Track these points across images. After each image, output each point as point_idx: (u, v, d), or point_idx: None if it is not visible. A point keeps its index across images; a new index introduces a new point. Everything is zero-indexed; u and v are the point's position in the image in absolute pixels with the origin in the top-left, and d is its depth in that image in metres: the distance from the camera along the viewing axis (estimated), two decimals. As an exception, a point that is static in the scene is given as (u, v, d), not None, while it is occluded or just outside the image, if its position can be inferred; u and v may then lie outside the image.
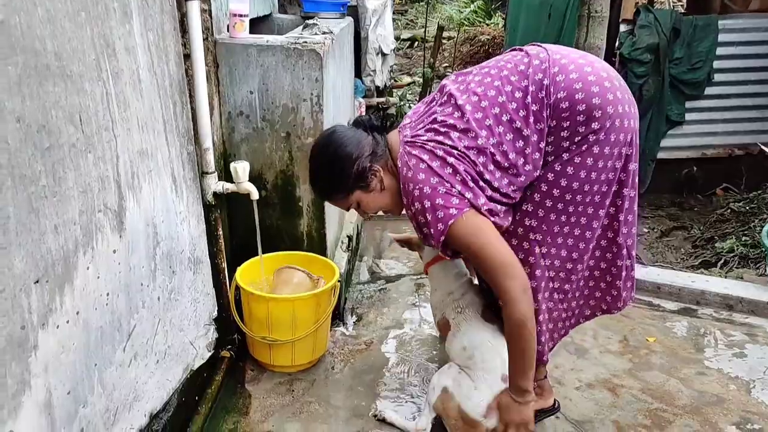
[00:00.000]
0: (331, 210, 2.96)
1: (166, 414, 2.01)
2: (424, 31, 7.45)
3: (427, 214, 1.77)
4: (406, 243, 2.52)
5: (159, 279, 1.85)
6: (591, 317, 2.19)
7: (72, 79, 1.40)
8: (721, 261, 3.70)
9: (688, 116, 4.66)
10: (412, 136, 1.87)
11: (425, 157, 1.80)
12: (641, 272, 3.35)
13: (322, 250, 2.85)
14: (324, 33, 2.88)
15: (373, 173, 1.90)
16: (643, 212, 4.72)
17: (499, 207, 1.85)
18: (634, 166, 1.90)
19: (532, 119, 1.79)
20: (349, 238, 3.36)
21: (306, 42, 2.64)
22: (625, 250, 2.01)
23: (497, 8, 9.33)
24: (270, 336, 2.50)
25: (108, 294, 1.58)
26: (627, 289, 2.09)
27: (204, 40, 2.43)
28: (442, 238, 1.78)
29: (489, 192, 1.81)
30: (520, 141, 1.80)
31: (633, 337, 2.92)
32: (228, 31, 2.70)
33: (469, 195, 1.77)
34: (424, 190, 1.77)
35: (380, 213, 2.11)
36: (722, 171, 4.75)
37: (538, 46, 1.92)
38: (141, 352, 1.77)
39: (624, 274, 2.05)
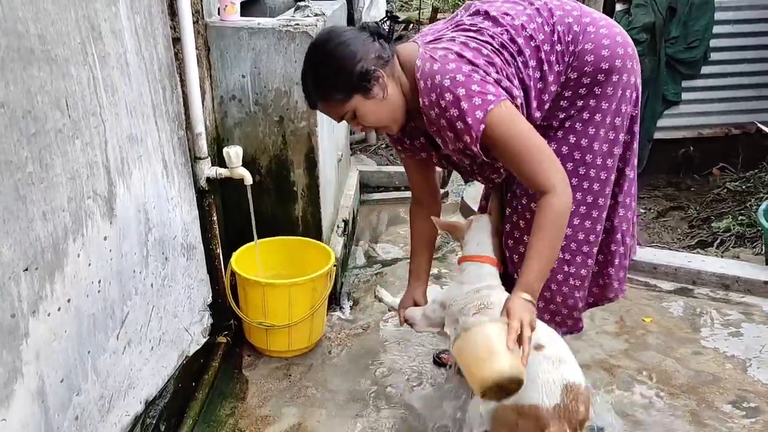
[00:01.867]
0: (326, 194, 2.94)
1: (162, 400, 2.01)
2: (419, 13, 7.39)
3: (462, 103, 1.57)
4: (449, 229, 2.20)
5: (152, 265, 1.84)
6: (594, 305, 2.16)
7: (57, 63, 1.38)
8: (718, 240, 3.69)
9: (685, 96, 4.61)
10: (433, 40, 1.72)
11: (455, 48, 1.63)
12: (638, 252, 3.34)
13: (317, 234, 2.84)
14: (316, 15, 2.84)
15: (377, 77, 1.66)
16: (640, 193, 4.66)
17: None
18: (636, 144, 1.90)
19: (554, 57, 1.73)
20: (345, 222, 3.35)
21: (298, 24, 2.61)
22: (619, 234, 1.97)
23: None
24: (266, 321, 2.49)
25: (100, 281, 1.57)
26: (619, 279, 2.04)
27: (194, 23, 2.39)
28: (482, 126, 1.58)
29: (520, 97, 1.68)
30: (539, 72, 1.73)
31: (629, 318, 2.92)
32: (219, 14, 2.66)
33: (505, 84, 1.63)
34: (457, 78, 1.58)
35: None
36: (719, 150, 4.72)
37: None
38: (135, 339, 1.76)
39: (617, 261, 2.01)
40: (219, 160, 2.51)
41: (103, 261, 1.58)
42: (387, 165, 4.73)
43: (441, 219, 2.17)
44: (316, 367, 2.56)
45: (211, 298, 2.37)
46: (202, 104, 2.43)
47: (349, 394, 2.40)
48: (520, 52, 1.69)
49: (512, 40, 1.68)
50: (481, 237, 2.04)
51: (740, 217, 3.77)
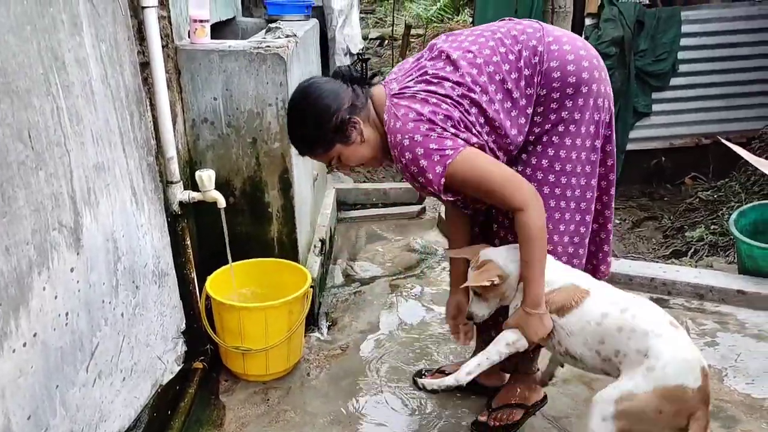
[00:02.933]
0: (302, 214, 2.93)
1: (136, 431, 1.97)
2: (392, 30, 7.45)
3: (421, 162, 1.74)
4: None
5: (122, 295, 1.81)
6: None
7: (18, 95, 1.36)
8: (692, 250, 3.74)
9: (655, 107, 4.70)
10: (400, 89, 1.86)
11: (416, 106, 1.78)
12: (614, 264, 3.35)
13: (293, 255, 2.82)
14: (287, 36, 2.84)
15: (353, 125, 1.85)
16: (614, 204, 4.75)
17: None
18: (611, 147, 1.98)
19: (523, 83, 1.83)
20: (322, 241, 3.34)
21: (269, 46, 2.61)
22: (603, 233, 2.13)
23: (465, 4, 9.35)
24: (243, 345, 2.46)
25: (67, 313, 1.54)
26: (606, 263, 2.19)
27: (164, 47, 2.39)
28: (443, 180, 1.75)
29: (480, 140, 1.82)
30: (509, 102, 1.84)
31: (607, 330, 2.94)
32: (189, 36, 2.66)
33: (463, 136, 1.77)
34: (415, 138, 1.74)
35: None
36: (690, 160, 4.80)
37: (531, 20, 1.97)
38: (105, 371, 1.73)
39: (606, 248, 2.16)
40: (192, 184, 2.49)
41: (70, 293, 1.55)
42: (364, 182, 4.73)
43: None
44: (295, 391, 2.54)
45: (184, 325, 2.34)
46: (174, 128, 2.41)
47: (329, 416, 2.37)
48: (484, 91, 1.80)
49: (470, 89, 1.79)
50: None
51: (713, 227, 3.83)
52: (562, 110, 1.85)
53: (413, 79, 1.87)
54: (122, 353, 1.82)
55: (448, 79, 1.81)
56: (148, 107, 2.27)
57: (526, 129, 1.88)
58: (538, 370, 2.35)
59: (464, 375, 1.92)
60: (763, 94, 4.74)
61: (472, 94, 1.80)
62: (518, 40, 1.85)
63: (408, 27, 6.38)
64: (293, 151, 2.70)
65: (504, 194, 1.78)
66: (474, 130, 1.80)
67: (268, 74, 2.57)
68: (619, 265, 3.34)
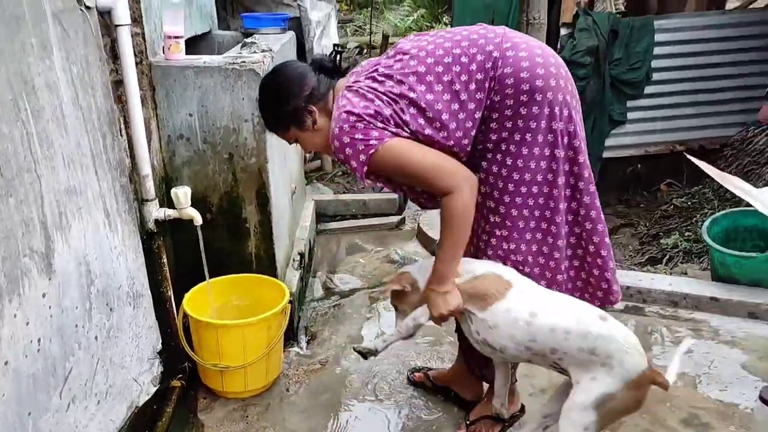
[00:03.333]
0: (280, 228, 2.93)
1: (113, 453, 1.96)
2: (370, 38, 7.48)
3: (347, 149, 1.83)
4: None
5: (95, 318, 1.80)
6: None
7: (-14, 122, 1.35)
8: (666, 257, 3.79)
9: (630, 115, 4.77)
10: (352, 82, 1.93)
11: (355, 99, 1.85)
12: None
13: (272, 270, 2.82)
14: (263, 51, 2.84)
15: (308, 112, 1.97)
16: (593, 211, 4.81)
17: None
18: (583, 158, 1.92)
19: (473, 86, 1.84)
20: (301, 254, 3.33)
21: (244, 62, 2.61)
22: (591, 245, 2.01)
23: (444, 12, 9.41)
24: (221, 363, 2.46)
25: (39, 339, 1.53)
26: (611, 281, 2.06)
27: (138, 63, 2.38)
28: (365, 168, 1.84)
29: (414, 139, 1.85)
30: (456, 104, 1.84)
31: (584, 339, 2.97)
32: (163, 53, 2.65)
33: (392, 130, 1.82)
34: (344, 128, 1.82)
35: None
36: (665, 167, 4.87)
37: (498, 26, 1.98)
38: (80, 395, 1.72)
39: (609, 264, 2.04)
40: (168, 201, 2.48)
41: (42, 318, 1.54)
42: (344, 193, 4.74)
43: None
44: (274, 407, 2.53)
45: (161, 345, 2.32)
46: (149, 145, 2.41)
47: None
48: (429, 90, 1.84)
49: (411, 88, 1.83)
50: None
51: (687, 233, 3.89)
52: (517, 118, 1.84)
53: (365, 75, 1.93)
54: (97, 376, 1.81)
55: (391, 77, 1.86)
56: (123, 126, 2.26)
57: (473, 133, 1.87)
58: (516, 381, 2.37)
59: (380, 342, 2.08)
60: (735, 101, 4.83)
61: (411, 94, 1.83)
62: (476, 44, 1.86)
63: (386, 37, 6.42)
64: (270, 166, 2.72)
65: (428, 179, 1.84)
66: (405, 130, 1.84)
67: (244, 90, 2.57)
68: (595, 274, 3.38)
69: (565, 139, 1.88)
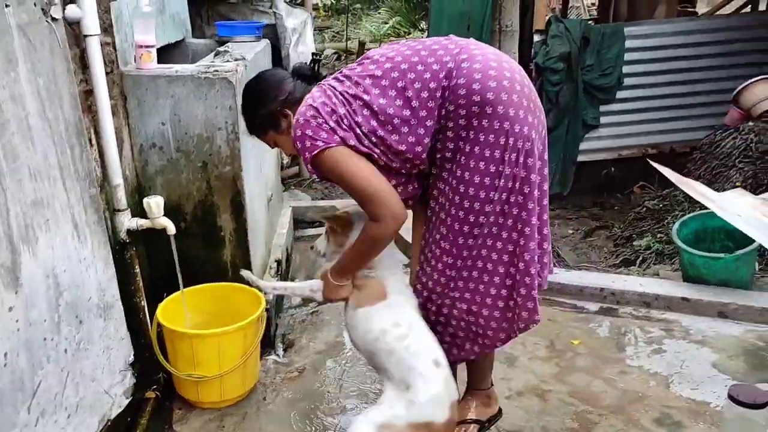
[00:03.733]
0: (256, 236, 2.93)
1: (86, 466, 1.94)
2: (346, 45, 7.50)
3: (298, 143, 1.90)
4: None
5: (64, 331, 1.78)
6: (506, 340, 2.13)
7: (-51, 135, 1.34)
8: (640, 258, 3.85)
9: (603, 119, 4.84)
10: (322, 82, 2.01)
11: (316, 94, 1.94)
12: (565, 276, 3.46)
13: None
14: (236, 60, 2.85)
15: (284, 116, 2.03)
16: (567, 213, 4.86)
17: (375, 158, 1.92)
18: (536, 177, 1.90)
19: (425, 94, 1.87)
20: (278, 262, 3.33)
21: (217, 70, 2.61)
22: (528, 265, 1.98)
23: (421, 18, 9.47)
24: (196, 372, 2.44)
25: (6, 354, 1.51)
26: (527, 309, 2.04)
27: (109, 73, 2.38)
28: (308, 165, 1.92)
29: (366, 141, 1.90)
30: (408, 110, 1.88)
31: (559, 341, 3.00)
32: (135, 62, 2.64)
33: (340, 133, 1.87)
34: (299, 121, 1.90)
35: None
36: (638, 170, 4.93)
37: (466, 38, 2.00)
38: (49, 409, 1.70)
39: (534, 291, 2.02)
40: (141, 210, 2.47)
41: (9, 332, 1.53)
42: (322, 199, 4.74)
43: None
44: (251, 416, 2.52)
45: (133, 357, 2.31)
46: (121, 154, 2.40)
47: None
48: (382, 95, 1.89)
49: (366, 90, 1.89)
50: None
51: (659, 235, 3.94)
52: (470, 129, 1.86)
53: (333, 77, 2.01)
54: (66, 390, 1.79)
55: (350, 78, 1.94)
56: (93, 134, 2.25)
57: (427, 141, 1.90)
58: (492, 385, 2.38)
59: (270, 288, 2.40)
60: (704, 105, 4.93)
61: (365, 96, 1.88)
62: (435, 54, 1.90)
63: (362, 44, 6.45)
64: (245, 174, 2.72)
65: (362, 198, 1.92)
66: (358, 131, 1.88)
67: (217, 99, 2.57)
68: (569, 277, 3.42)
69: (513, 156, 1.86)
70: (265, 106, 2.05)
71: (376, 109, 1.88)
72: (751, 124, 4.00)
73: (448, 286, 2.05)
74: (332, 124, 1.87)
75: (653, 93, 4.83)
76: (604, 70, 4.62)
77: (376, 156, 1.93)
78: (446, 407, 1.91)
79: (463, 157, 1.88)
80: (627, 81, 4.73)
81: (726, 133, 4.11)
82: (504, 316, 2.08)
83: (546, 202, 2.04)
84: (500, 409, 2.41)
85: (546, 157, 2.00)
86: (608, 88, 4.69)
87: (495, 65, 1.86)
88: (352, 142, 1.88)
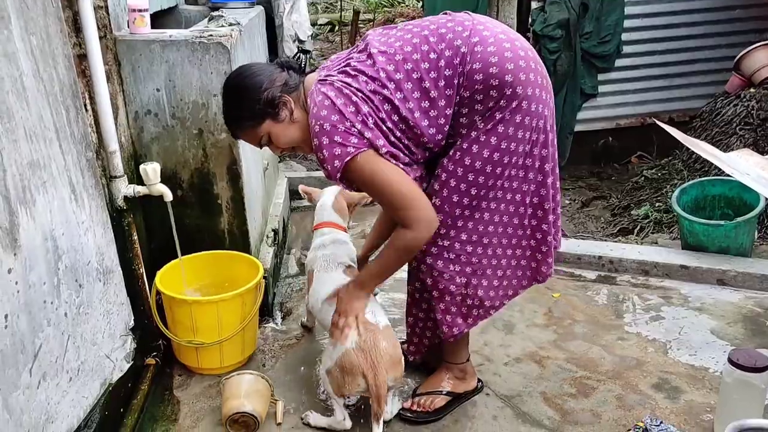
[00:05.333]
0: (252, 204, 2.91)
1: (87, 430, 1.93)
2: (340, 15, 7.39)
3: (325, 151, 1.80)
4: (308, 194, 2.70)
5: (64, 294, 1.77)
6: (514, 296, 2.20)
7: (-59, 92, 1.30)
8: (638, 227, 3.85)
9: (601, 88, 4.80)
10: (325, 76, 1.91)
11: (331, 94, 1.82)
12: (563, 244, 3.43)
13: (245, 246, 2.80)
14: (231, 24, 2.79)
15: (283, 103, 1.91)
16: (564, 184, 4.85)
17: (401, 155, 1.88)
18: (546, 151, 1.95)
19: (442, 83, 1.83)
20: (275, 231, 3.31)
21: (212, 35, 2.56)
22: (545, 224, 2.06)
23: (415, -12, 9.34)
24: (196, 339, 2.44)
25: (6, 316, 1.49)
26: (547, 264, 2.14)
27: (102, 38, 2.33)
28: (338, 174, 1.83)
29: (392, 137, 1.85)
30: (426, 102, 1.84)
31: (557, 309, 3.01)
32: (128, 27, 2.59)
33: (369, 134, 1.80)
34: (324, 127, 1.79)
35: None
36: (636, 139, 4.93)
37: (467, 14, 1.95)
38: (50, 372, 1.69)
39: (544, 248, 2.10)
40: (138, 177, 2.44)
41: (9, 295, 1.51)
42: (317, 170, 4.71)
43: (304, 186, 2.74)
44: (251, 382, 2.52)
45: (133, 322, 2.30)
46: (116, 121, 2.36)
47: (285, 406, 2.37)
48: (398, 89, 1.83)
49: (383, 85, 1.82)
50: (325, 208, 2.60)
51: (657, 204, 3.94)
52: (486, 112, 1.84)
53: (337, 69, 1.91)
54: (68, 353, 1.78)
55: (364, 73, 1.84)
56: (87, 101, 2.21)
57: (447, 128, 1.88)
58: (468, 360, 2.37)
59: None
60: (703, 73, 4.89)
61: (384, 91, 1.82)
62: (444, 38, 1.84)
63: (356, 12, 6.35)
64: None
65: (396, 205, 1.88)
66: (384, 127, 1.83)
67: (212, 64, 2.53)
68: (567, 245, 3.43)
69: (533, 134, 1.89)
70: (261, 93, 1.89)
71: (397, 103, 1.82)
72: (752, 90, 3.98)
73: (441, 256, 2.04)
74: (359, 125, 1.79)
75: (653, 61, 4.79)
76: (603, 38, 4.57)
77: (401, 153, 1.88)
78: (353, 338, 2.04)
79: (481, 135, 1.87)
80: (626, 49, 4.68)
81: (727, 100, 4.09)
82: (501, 285, 2.12)
83: (557, 170, 2.06)
84: (480, 386, 2.41)
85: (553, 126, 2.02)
86: (607, 56, 4.64)
87: (509, 46, 1.83)
88: (381, 141, 1.82)
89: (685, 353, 2.65)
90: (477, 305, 2.12)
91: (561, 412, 2.32)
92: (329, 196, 2.62)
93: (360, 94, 1.81)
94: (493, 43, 1.82)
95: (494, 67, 1.79)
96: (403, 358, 2.14)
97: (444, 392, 2.31)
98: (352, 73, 1.86)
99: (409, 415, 2.28)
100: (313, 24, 7.65)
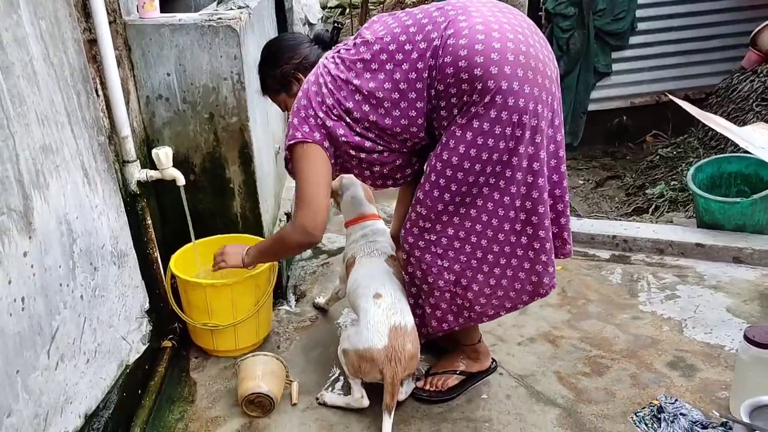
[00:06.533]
0: (265, 188, 2.91)
1: (106, 411, 1.97)
2: (350, -1, 7.37)
3: (288, 128, 1.98)
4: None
5: (80, 277, 1.79)
6: (513, 309, 2.14)
7: (-47, 77, 1.31)
8: (653, 206, 3.81)
9: (615, 67, 4.74)
10: (325, 57, 2.03)
11: (312, 79, 1.97)
12: (576, 224, 3.44)
13: (258, 230, 2.81)
14: (240, 8, 2.78)
15: (297, 79, 2.11)
16: (577, 164, 4.82)
17: (370, 144, 1.94)
18: (535, 149, 1.83)
19: (413, 75, 1.83)
20: (287, 215, 3.32)
21: (221, 18, 2.55)
22: (542, 229, 1.96)
23: (427, -31, 9.22)
24: (211, 322, 2.47)
25: (23, 298, 1.52)
26: (548, 274, 2.04)
27: (111, 23, 2.33)
28: (285, 152, 2.00)
29: (358, 128, 1.92)
30: (396, 93, 1.86)
31: (571, 289, 3.00)
32: (137, 11, 2.59)
33: (329, 123, 1.91)
34: (295, 107, 1.97)
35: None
36: (651, 118, 4.88)
37: (460, 1, 1.89)
38: (68, 354, 1.72)
39: (543, 257, 2.00)
40: (150, 162, 2.46)
41: (25, 277, 1.53)
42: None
43: None
44: (266, 364, 2.55)
45: (148, 305, 2.32)
46: (127, 106, 2.37)
47: (300, 387, 2.40)
48: (372, 79, 1.87)
49: (357, 74, 1.89)
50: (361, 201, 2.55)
51: (672, 183, 3.90)
52: (462, 106, 1.79)
53: (333, 52, 2.01)
54: (84, 335, 1.81)
55: (344, 62, 1.93)
56: (99, 85, 2.22)
57: (421, 121, 1.87)
58: (480, 340, 2.36)
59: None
60: (719, 49, 4.81)
61: (356, 81, 1.88)
62: (423, 30, 1.82)
63: (367, -4, 6.32)
64: (251, 125, 2.69)
65: (298, 206, 2.02)
66: (348, 119, 1.91)
67: (222, 47, 2.52)
68: (581, 225, 3.41)
69: (514, 130, 1.78)
70: (278, 66, 2.12)
71: (366, 93, 1.87)
72: (769, 66, 3.91)
73: (428, 250, 2.03)
74: (322, 115, 1.91)
75: (667, 38, 4.72)
76: (617, 15, 4.50)
77: (370, 143, 1.93)
78: (384, 334, 2.07)
79: (458, 130, 1.82)
80: (640, 26, 4.62)
81: (743, 76, 4.02)
82: (495, 294, 2.07)
83: (563, 153, 2.00)
84: (493, 366, 2.40)
85: (558, 108, 1.92)
86: (621, 34, 4.58)
87: (482, 37, 1.75)
88: (342, 131, 1.91)
89: (700, 331, 2.64)
90: (467, 307, 2.09)
91: (575, 391, 2.32)
92: (358, 188, 2.56)
93: (333, 83, 1.90)
94: (467, 35, 1.75)
95: (463, 61, 1.74)
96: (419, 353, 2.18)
97: (458, 372, 2.32)
98: (336, 60, 1.95)
99: (422, 394, 2.29)
100: (324, 7, 7.61)
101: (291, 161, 2.01)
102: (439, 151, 1.88)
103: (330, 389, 2.36)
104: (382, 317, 2.10)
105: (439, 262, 2.03)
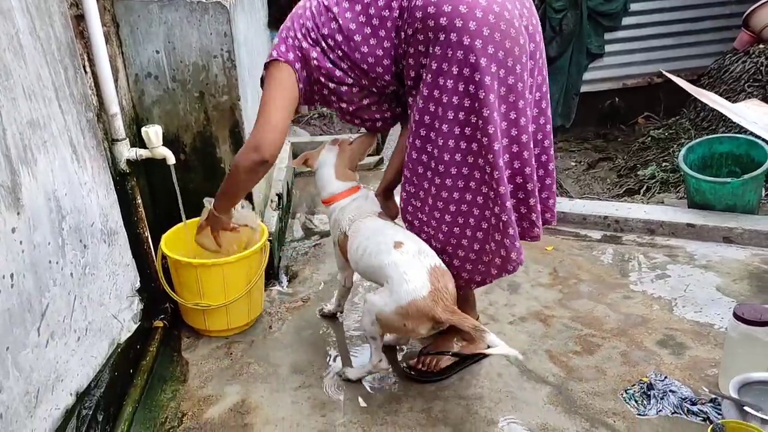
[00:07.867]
0: (256, 169, 2.89)
1: (98, 390, 1.96)
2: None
3: (273, 46, 2.01)
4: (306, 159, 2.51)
5: (69, 254, 1.77)
6: (482, 283, 2.16)
7: (-63, 48, 1.29)
8: (644, 188, 3.83)
9: (608, 48, 4.73)
10: None
11: (300, 3, 2.02)
12: (568, 205, 3.44)
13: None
14: (230, -16, 2.74)
15: None
16: (569, 146, 4.82)
17: (340, 74, 1.95)
18: (489, 113, 1.79)
19: (386, 12, 1.85)
20: (279, 196, 3.31)
21: (210, -6, 2.52)
22: (507, 202, 1.91)
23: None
24: (202, 302, 2.46)
25: (12, 275, 1.50)
26: (515, 249, 1.99)
27: (99, -1, 2.29)
28: (263, 67, 2.02)
29: (332, 55, 1.93)
30: (368, 28, 1.88)
31: (562, 269, 3.01)
32: (125, -13, 2.54)
33: (305, 45, 1.93)
34: (280, 26, 2.02)
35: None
36: (643, 100, 4.88)
37: None
38: (58, 331, 1.71)
39: (511, 231, 1.94)
40: (140, 141, 2.43)
41: (14, 254, 1.51)
42: (321, 135, 4.69)
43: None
44: (258, 343, 2.55)
45: (139, 283, 2.31)
46: (116, 83, 2.34)
47: (292, 366, 2.40)
48: (350, 9, 1.89)
49: (337, 2, 1.91)
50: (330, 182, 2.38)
51: (664, 164, 3.91)
52: (427, 56, 1.81)
53: None
54: (75, 313, 1.80)
55: None
56: (87, 62, 2.18)
57: (387, 63, 1.90)
58: (478, 318, 2.36)
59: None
60: (711, 30, 4.80)
61: (334, 8, 1.90)
62: None
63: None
64: (242, 103, 2.66)
65: (256, 123, 1.99)
66: (324, 44, 1.91)
67: (212, 25, 2.49)
68: (572, 206, 3.41)
69: (472, 87, 1.77)
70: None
71: (341, 22, 1.89)
72: (761, 46, 3.90)
73: (416, 216, 2.06)
74: (300, 36, 1.93)
75: (660, 18, 4.71)
76: (610, -5, 4.48)
77: (341, 72, 1.94)
78: (425, 279, 1.94)
79: (424, 87, 1.85)
80: (633, 6, 4.60)
81: (735, 56, 4.02)
82: (479, 259, 2.07)
83: (549, 127, 2.03)
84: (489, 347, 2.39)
85: (542, 85, 1.97)
86: (614, 15, 4.56)
87: None
88: (315, 54, 1.92)
89: (690, 310, 2.65)
90: (455, 275, 2.07)
91: (566, 369, 2.34)
92: (329, 168, 2.36)
93: (317, 8, 1.93)
94: None
95: (432, 7, 1.76)
96: None
97: (450, 353, 2.32)
98: None
99: (413, 373, 2.30)
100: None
101: (264, 75, 2.03)
102: (414, 111, 1.91)
103: (330, 375, 2.35)
104: (415, 263, 1.96)
105: (426, 229, 2.08)
